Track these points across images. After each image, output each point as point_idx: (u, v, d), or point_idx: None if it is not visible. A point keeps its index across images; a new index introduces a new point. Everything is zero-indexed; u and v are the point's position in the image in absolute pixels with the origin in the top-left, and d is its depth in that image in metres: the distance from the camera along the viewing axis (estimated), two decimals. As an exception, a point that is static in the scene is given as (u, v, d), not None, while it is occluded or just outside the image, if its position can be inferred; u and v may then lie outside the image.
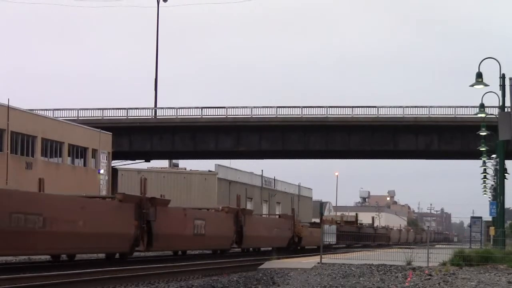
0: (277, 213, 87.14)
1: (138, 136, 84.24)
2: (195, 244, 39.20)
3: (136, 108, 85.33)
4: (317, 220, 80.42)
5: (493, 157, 60.87)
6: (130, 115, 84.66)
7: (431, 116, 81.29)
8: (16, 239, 24.74)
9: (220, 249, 42.71)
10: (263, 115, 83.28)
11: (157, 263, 30.64)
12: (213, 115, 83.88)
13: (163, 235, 32.83)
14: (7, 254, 28.60)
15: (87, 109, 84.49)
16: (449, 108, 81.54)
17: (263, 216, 61.04)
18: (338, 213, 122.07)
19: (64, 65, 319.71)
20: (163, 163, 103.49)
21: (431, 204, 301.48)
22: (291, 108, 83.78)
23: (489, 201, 68.43)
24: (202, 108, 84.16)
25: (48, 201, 27.64)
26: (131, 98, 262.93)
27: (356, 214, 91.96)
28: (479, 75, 34.76)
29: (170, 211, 34.77)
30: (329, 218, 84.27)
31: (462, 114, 79.98)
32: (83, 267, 27.90)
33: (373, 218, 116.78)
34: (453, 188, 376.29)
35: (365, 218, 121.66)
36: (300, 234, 53.32)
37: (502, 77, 38.44)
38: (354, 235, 69.25)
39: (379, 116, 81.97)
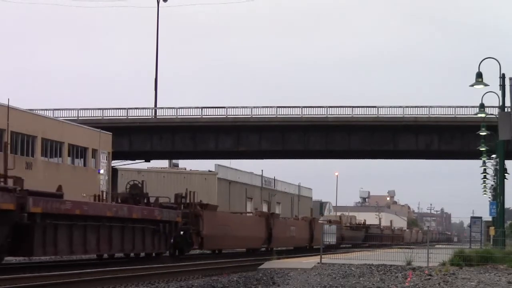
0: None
1: (138, 136, 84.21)
2: (290, 243, 57.40)
3: (136, 108, 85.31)
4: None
5: (493, 157, 60.82)
6: (130, 115, 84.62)
7: (431, 116, 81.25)
8: (219, 239, 42.69)
9: (300, 246, 58.51)
10: (263, 115, 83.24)
11: (157, 263, 30.66)
12: (213, 115, 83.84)
13: (277, 237, 52.71)
14: (212, 248, 45.27)
15: (87, 109, 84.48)
16: (449, 108, 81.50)
17: (321, 222, 72.70)
18: (338, 213, 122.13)
19: (64, 65, 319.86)
20: (163, 163, 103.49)
21: (431, 204, 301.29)
22: (291, 108, 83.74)
23: (489, 201, 68.41)
24: (202, 108, 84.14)
25: (230, 217, 48.47)
26: (131, 98, 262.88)
27: (380, 218, 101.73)
28: (479, 75, 34.72)
29: (279, 221, 55.55)
30: (359, 221, 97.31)
31: (462, 114, 79.92)
32: (85, 267, 27.92)
33: (391, 221, 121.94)
34: (453, 188, 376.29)
35: (365, 218, 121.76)
36: (343, 235, 69.12)
37: (502, 77, 38.40)
38: (378, 236, 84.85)
39: (379, 116, 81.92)
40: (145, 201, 35.32)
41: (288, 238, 56.24)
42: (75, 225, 27.94)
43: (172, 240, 36.13)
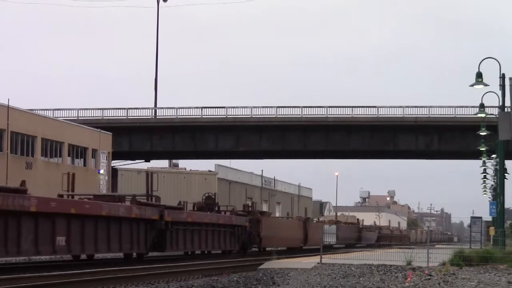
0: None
1: (138, 136, 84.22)
2: (319, 242, 63.06)
3: (136, 108, 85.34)
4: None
5: (493, 157, 60.80)
6: (130, 115, 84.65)
7: (431, 116, 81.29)
8: (272, 239, 50.83)
9: (327, 245, 65.24)
10: (263, 115, 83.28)
11: (157, 263, 30.65)
12: (213, 115, 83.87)
13: (311, 238, 60.05)
14: (268, 247, 50.21)
15: (87, 109, 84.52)
16: (449, 108, 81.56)
17: (343, 224, 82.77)
18: (338, 214, 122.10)
19: (64, 65, 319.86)
20: (163, 163, 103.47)
21: (431, 204, 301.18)
22: (291, 108, 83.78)
23: (489, 201, 68.33)
24: (202, 108, 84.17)
25: (279, 221, 60.71)
26: (131, 98, 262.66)
27: (389, 221, 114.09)
28: (479, 75, 34.72)
29: (313, 224, 64.09)
30: (375, 226, 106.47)
31: (462, 114, 79.97)
32: (85, 267, 27.92)
33: (399, 223, 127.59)
34: (453, 188, 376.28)
35: (365, 218, 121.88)
36: (361, 236, 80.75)
37: (502, 77, 38.38)
38: (389, 236, 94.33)
39: (379, 116, 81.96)
40: (216, 209, 44.54)
41: (319, 239, 62.44)
42: (187, 229, 37.02)
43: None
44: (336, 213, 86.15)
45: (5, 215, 23.39)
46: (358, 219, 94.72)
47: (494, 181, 65.08)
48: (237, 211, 46.51)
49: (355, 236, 76.24)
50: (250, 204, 51.85)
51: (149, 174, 35.63)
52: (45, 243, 25.53)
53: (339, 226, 71.61)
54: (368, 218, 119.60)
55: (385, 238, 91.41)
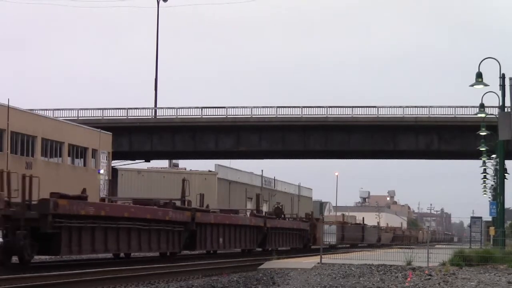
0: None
1: (138, 136, 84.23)
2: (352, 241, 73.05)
3: (136, 108, 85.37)
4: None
5: (493, 157, 60.79)
6: (130, 115, 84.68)
7: (431, 116, 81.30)
8: (316, 239, 57.69)
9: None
10: (263, 115, 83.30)
11: (157, 263, 30.63)
12: (213, 115, 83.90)
13: (347, 237, 64.31)
14: (320, 245, 58.53)
15: (87, 109, 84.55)
16: (449, 108, 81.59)
17: (368, 226, 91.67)
18: (339, 213, 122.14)
19: (64, 65, 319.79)
20: (163, 163, 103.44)
21: (431, 204, 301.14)
22: (291, 108, 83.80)
23: (489, 201, 68.34)
24: (202, 108, 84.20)
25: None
26: (131, 98, 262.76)
27: (401, 223, 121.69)
28: (479, 75, 34.71)
29: (347, 226, 70.02)
30: (390, 227, 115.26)
31: (462, 114, 80.00)
32: (85, 267, 27.93)
33: (407, 224, 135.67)
34: (453, 188, 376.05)
35: (365, 218, 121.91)
36: (380, 236, 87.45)
37: (502, 77, 38.38)
38: (401, 237, 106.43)
39: (379, 116, 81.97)
40: (282, 216, 54.26)
41: (352, 238, 70.77)
42: (277, 232, 49.97)
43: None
44: (363, 218, 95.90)
45: (200, 225, 37.21)
46: (378, 222, 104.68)
47: (494, 181, 65.08)
48: (301, 218, 60.42)
49: (376, 237, 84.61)
50: (310, 213, 65.05)
51: (258, 195, 51.68)
52: (215, 242, 39.69)
53: (365, 228, 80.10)
54: (368, 218, 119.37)
55: (398, 238, 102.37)
